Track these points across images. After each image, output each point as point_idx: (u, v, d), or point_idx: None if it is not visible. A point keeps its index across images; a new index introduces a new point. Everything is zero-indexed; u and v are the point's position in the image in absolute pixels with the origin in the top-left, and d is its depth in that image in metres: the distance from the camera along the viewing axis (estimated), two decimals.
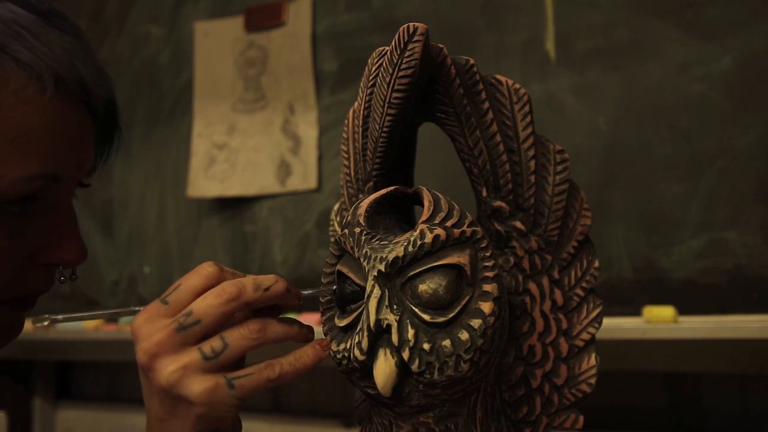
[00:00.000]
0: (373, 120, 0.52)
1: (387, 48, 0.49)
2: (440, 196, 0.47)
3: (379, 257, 0.44)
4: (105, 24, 1.69)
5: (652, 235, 0.99)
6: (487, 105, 0.52)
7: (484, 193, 0.53)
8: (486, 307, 0.44)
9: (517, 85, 0.53)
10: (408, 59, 0.47)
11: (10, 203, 0.46)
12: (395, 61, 0.48)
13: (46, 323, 0.48)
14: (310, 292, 0.49)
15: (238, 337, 0.43)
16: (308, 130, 1.36)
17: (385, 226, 0.48)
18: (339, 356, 0.46)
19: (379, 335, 0.43)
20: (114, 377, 1.68)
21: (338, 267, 0.48)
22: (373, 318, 0.43)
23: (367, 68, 0.52)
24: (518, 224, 0.53)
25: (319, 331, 0.49)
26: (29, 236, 0.48)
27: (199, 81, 1.50)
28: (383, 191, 0.49)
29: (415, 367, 0.43)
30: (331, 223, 0.62)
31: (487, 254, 0.45)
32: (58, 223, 0.50)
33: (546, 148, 0.54)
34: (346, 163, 0.58)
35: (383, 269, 0.44)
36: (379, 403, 0.47)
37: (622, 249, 1.00)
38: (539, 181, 0.53)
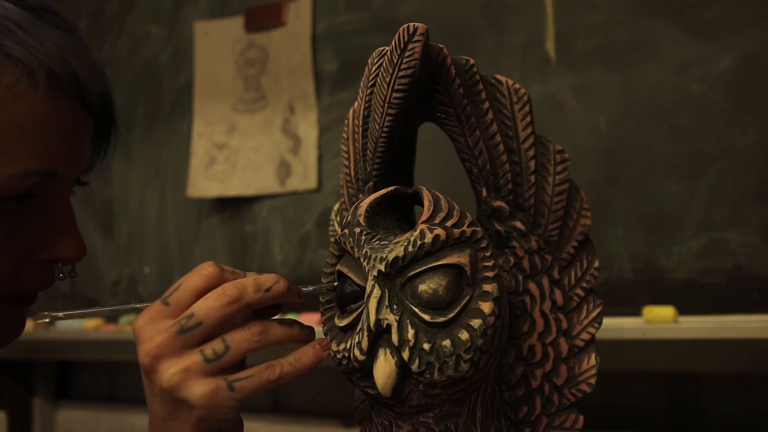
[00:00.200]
0: (373, 120, 0.52)
1: (387, 48, 0.49)
2: (440, 196, 0.47)
3: (379, 257, 0.44)
4: (105, 24, 1.69)
5: (652, 235, 0.99)
6: (487, 105, 0.52)
7: (484, 193, 0.53)
8: (486, 307, 0.44)
9: (517, 85, 0.53)
10: (408, 59, 0.47)
11: (6, 200, 0.46)
12: (395, 61, 0.48)
13: (47, 320, 0.48)
14: (310, 289, 0.49)
15: (239, 339, 0.43)
16: (308, 130, 1.36)
17: (385, 226, 0.48)
18: (339, 356, 0.46)
19: (379, 335, 0.43)
20: (114, 377, 1.68)
21: (338, 267, 0.48)
22: (373, 318, 0.43)
23: (367, 68, 0.52)
24: (518, 224, 0.53)
25: (319, 331, 0.49)
26: (27, 234, 0.48)
27: (199, 81, 1.50)
28: (383, 191, 0.49)
29: (415, 367, 0.43)
30: (331, 223, 0.62)
31: (487, 254, 0.45)
32: (56, 220, 0.50)
33: (546, 148, 0.54)
34: (346, 163, 0.58)
35: (383, 269, 0.44)
36: (379, 403, 0.47)
37: (622, 249, 1.00)
38: (539, 181, 0.53)
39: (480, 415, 0.46)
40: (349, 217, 0.48)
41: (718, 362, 0.92)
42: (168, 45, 1.58)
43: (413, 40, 0.47)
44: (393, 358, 0.43)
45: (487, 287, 0.44)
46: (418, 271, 0.44)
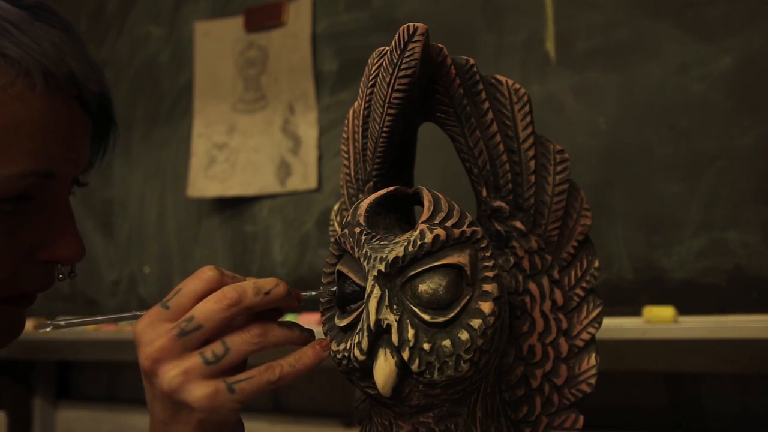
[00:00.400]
0: (373, 120, 0.52)
1: (387, 48, 0.49)
2: (440, 196, 0.47)
3: (379, 257, 0.44)
4: (105, 24, 1.69)
5: (652, 235, 0.99)
6: (487, 105, 0.52)
7: (484, 193, 0.53)
8: (486, 307, 0.44)
9: (517, 85, 0.53)
10: (408, 59, 0.47)
11: (4, 201, 0.46)
12: (395, 61, 0.48)
13: (48, 329, 0.47)
14: (310, 294, 0.49)
15: (239, 341, 0.44)
16: (308, 130, 1.36)
17: (385, 226, 0.48)
18: (339, 356, 0.46)
19: (379, 335, 0.43)
20: (114, 377, 1.68)
21: (338, 267, 0.48)
22: (373, 318, 0.43)
23: (367, 68, 0.52)
24: (518, 224, 0.53)
25: (319, 331, 0.49)
26: (26, 235, 0.48)
27: (199, 81, 1.50)
28: (383, 191, 0.49)
29: (415, 367, 0.43)
30: (331, 223, 0.62)
31: (487, 254, 0.45)
32: (55, 220, 0.50)
33: (546, 148, 0.54)
34: (346, 163, 0.58)
35: (383, 269, 0.44)
36: (379, 403, 0.47)
37: (622, 249, 1.00)
38: (539, 181, 0.53)
39: (480, 415, 0.46)
40: (349, 217, 0.48)
41: (718, 362, 0.92)
42: (168, 45, 1.58)
43: (413, 40, 0.47)
44: (393, 358, 0.43)
45: (487, 287, 0.44)
46: (418, 271, 0.44)
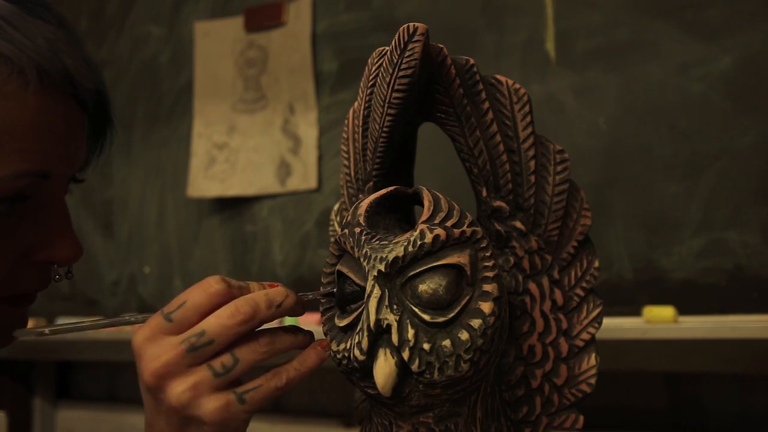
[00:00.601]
0: (373, 120, 0.52)
1: (387, 48, 0.49)
2: (440, 196, 0.47)
3: (379, 257, 0.44)
4: (105, 24, 1.69)
5: (652, 235, 0.99)
6: (487, 105, 0.52)
7: (484, 193, 0.53)
8: (486, 307, 0.44)
9: (517, 85, 0.53)
10: (408, 59, 0.47)
11: None
12: (395, 61, 0.48)
13: (33, 336, 0.47)
14: (310, 296, 0.49)
15: (248, 352, 0.43)
16: (308, 130, 1.36)
17: (385, 226, 0.48)
18: (339, 356, 0.46)
19: (379, 335, 0.43)
20: (114, 377, 1.68)
21: (338, 267, 0.48)
22: (373, 318, 0.43)
23: (367, 68, 0.52)
24: (518, 224, 0.53)
25: (319, 331, 0.49)
26: (21, 235, 0.47)
27: (199, 81, 1.50)
28: (383, 191, 0.49)
29: (415, 367, 0.43)
30: (331, 223, 0.62)
31: (487, 254, 0.45)
32: (51, 221, 0.49)
33: (546, 148, 0.54)
34: (346, 163, 0.58)
35: (383, 269, 0.44)
36: (379, 403, 0.47)
37: (622, 249, 1.01)
38: (539, 181, 0.53)
39: (480, 415, 0.46)
40: (349, 217, 0.48)
41: (718, 362, 0.92)
42: (168, 45, 1.58)
43: (413, 40, 0.47)
44: (393, 358, 0.43)
45: (487, 287, 0.44)
46: (418, 271, 0.44)
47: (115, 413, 1.59)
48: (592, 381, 0.53)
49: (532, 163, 0.53)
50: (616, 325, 0.88)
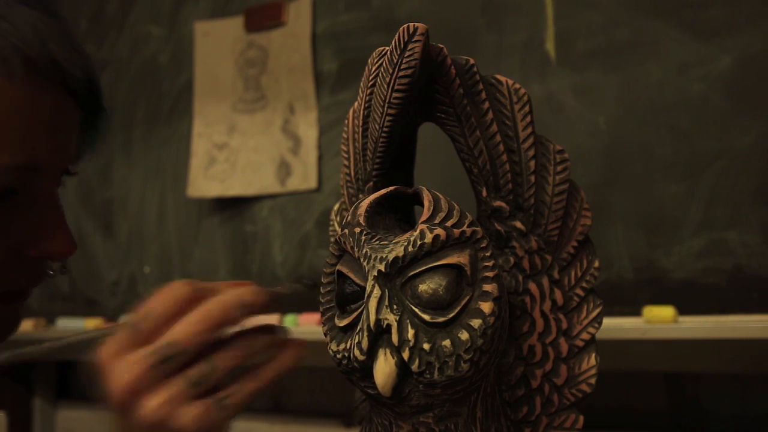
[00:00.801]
0: (373, 120, 0.52)
1: (387, 48, 0.49)
2: (440, 196, 0.47)
3: (379, 257, 0.44)
4: (105, 24, 1.69)
5: (652, 235, 0.99)
6: (487, 105, 0.52)
7: (484, 193, 0.53)
8: (486, 307, 0.44)
9: (517, 85, 0.53)
10: (408, 59, 0.47)
11: None
12: (395, 61, 0.48)
13: (12, 355, 0.46)
14: (280, 290, 0.48)
15: (224, 357, 0.41)
16: (308, 130, 1.36)
17: (385, 226, 0.48)
18: (339, 356, 0.46)
19: (379, 335, 0.43)
20: None
21: (338, 267, 0.48)
22: (373, 318, 0.43)
23: (367, 68, 0.52)
24: (518, 224, 0.53)
25: (319, 331, 0.49)
26: (12, 231, 0.45)
27: (199, 81, 1.50)
28: (383, 191, 0.49)
29: (415, 367, 0.43)
30: (331, 223, 0.62)
31: (487, 254, 0.45)
32: (43, 215, 0.47)
33: (546, 148, 0.54)
34: (346, 163, 0.58)
35: (383, 269, 0.44)
36: (379, 403, 0.47)
37: (622, 249, 1.00)
38: (539, 181, 0.53)
39: (480, 415, 0.46)
40: (349, 217, 0.48)
41: (718, 362, 0.92)
42: (168, 45, 1.58)
43: (413, 40, 0.47)
44: (393, 358, 0.43)
45: (487, 287, 0.44)
46: (418, 271, 0.44)
47: None
48: (592, 381, 0.53)
49: (532, 163, 0.53)
50: (616, 325, 0.88)
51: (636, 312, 0.95)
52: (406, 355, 0.43)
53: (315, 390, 1.35)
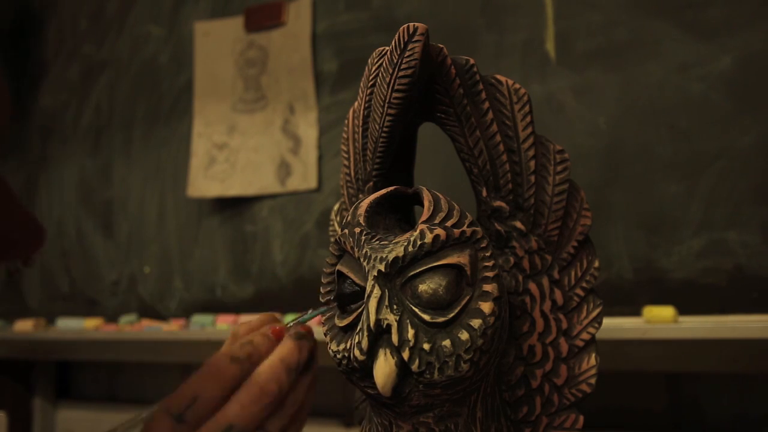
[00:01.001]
0: (373, 120, 0.52)
1: (387, 48, 0.49)
2: (440, 196, 0.47)
3: (379, 257, 0.44)
4: (105, 24, 1.69)
5: (652, 235, 0.99)
6: (487, 105, 0.52)
7: (484, 193, 0.53)
8: (486, 307, 0.44)
9: (517, 85, 0.53)
10: (408, 59, 0.47)
11: None
12: (395, 61, 0.48)
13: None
14: (306, 317, 0.48)
15: (277, 421, 0.41)
16: (308, 130, 1.36)
17: (385, 226, 0.48)
18: (339, 356, 0.46)
19: (379, 335, 0.43)
20: (114, 377, 1.68)
21: (338, 267, 0.48)
22: (373, 318, 0.43)
23: (367, 68, 0.52)
24: (518, 224, 0.53)
25: (319, 331, 0.49)
26: None
27: (199, 81, 1.50)
28: (383, 191, 0.49)
29: (415, 367, 0.43)
30: (331, 223, 0.62)
31: (487, 254, 0.45)
32: None
33: (546, 148, 0.54)
34: (346, 163, 0.58)
35: (383, 269, 0.44)
36: (379, 403, 0.47)
37: (622, 249, 1.00)
38: (539, 181, 0.53)
39: (480, 415, 0.46)
40: (349, 217, 0.48)
41: (718, 362, 0.92)
42: (168, 45, 1.58)
43: (413, 40, 0.47)
44: (393, 358, 0.43)
45: (487, 287, 0.44)
46: (418, 271, 0.44)
47: (115, 413, 1.59)
48: (592, 381, 0.53)
49: (532, 163, 0.53)
50: (616, 325, 0.88)
51: (636, 312, 0.95)
52: (406, 355, 0.43)
53: (315, 390, 1.35)
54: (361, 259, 0.45)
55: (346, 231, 0.47)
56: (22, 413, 1.65)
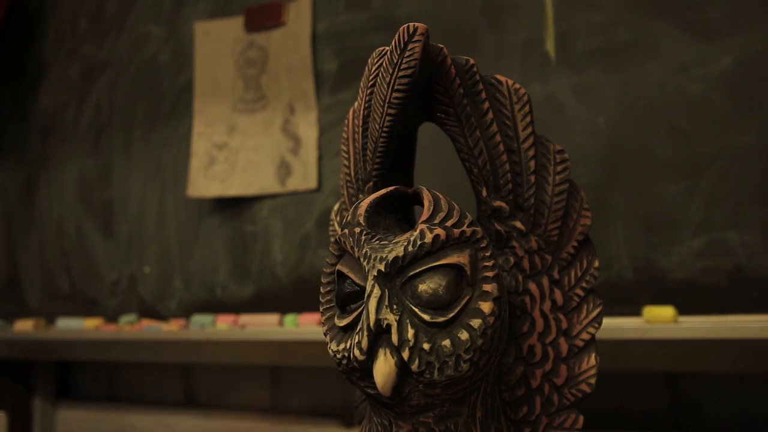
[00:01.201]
0: (373, 120, 0.52)
1: (387, 48, 0.49)
2: (440, 196, 0.47)
3: (379, 257, 0.44)
4: (105, 24, 1.69)
5: (652, 235, 0.99)
6: (487, 105, 0.52)
7: (484, 193, 0.53)
8: (486, 307, 0.44)
9: (517, 85, 0.53)
10: (408, 59, 0.47)
11: None
12: (395, 61, 0.48)
13: None
14: None
15: None
16: (308, 130, 1.36)
17: (385, 226, 0.48)
18: (339, 356, 0.46)
19: (379, 335, 0.43)
20: (114, 377, 1.68)
21: (338, 267, 0.48)
22: (373, 318, 0.43)
23: (367, 68, 0.52)
24: (518, 224, 0.53)
25: (318, 331, 0.49)
26: None
27: (199, 81, 1.50)
28: (383, 191, 0.49)
29: (414, 367, 0.43)
30: (331, 223, 0.62)
31: (487, 254, 0.45)
32: None
33: (546, 148, 0.54)
34: (346, 163, 0.58)
35: (383, 269, 0.44)
36: (379, 403, 0.47)
37: (622, 249, 1.00)
38: (539, 181, 0.53)
39: (480, 415, 0.46)
40: (349, 217, 0.48)
41: (718, 362, 0.92)
42: (168, 45, 1.58)
43: (413, 40, 0.47)
44: (393, 358, 0.43)
45: (487, 287, 0.44)
46: (418, 271, 0.44)
47: (115, 413, 1.59)
48: (592, 381, 0.53)
49: (532, 163, 0.53)
50: (616, 325, 0.88)
51: (636, 312, 0.95)
52: (405, 355, 0.43)
53: (315, 390, 1.35)
54: (361, 259, 0.45)
55: (346, 231, 0.47)
56: (22, 413, 1.65)
